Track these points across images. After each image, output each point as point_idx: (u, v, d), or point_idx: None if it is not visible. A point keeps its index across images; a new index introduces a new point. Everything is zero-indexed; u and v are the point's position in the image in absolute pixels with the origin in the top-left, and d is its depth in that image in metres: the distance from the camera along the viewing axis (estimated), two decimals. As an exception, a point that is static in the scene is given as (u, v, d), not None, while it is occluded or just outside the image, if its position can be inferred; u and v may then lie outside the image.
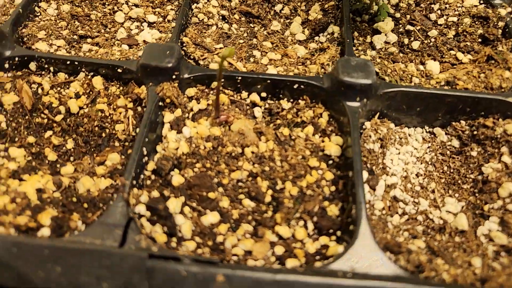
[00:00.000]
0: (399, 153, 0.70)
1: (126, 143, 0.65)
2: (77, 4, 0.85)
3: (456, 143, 0.71)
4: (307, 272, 0.48)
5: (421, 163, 0.70)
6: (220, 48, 0.78)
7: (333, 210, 0.59)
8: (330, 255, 0.53)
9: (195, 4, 0.86)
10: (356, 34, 0.84)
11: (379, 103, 0.70)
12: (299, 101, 0.71)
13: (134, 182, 0.57)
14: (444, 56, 0.79)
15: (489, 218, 0.62)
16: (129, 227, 0.52)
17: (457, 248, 0.59)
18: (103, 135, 0.66)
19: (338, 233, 0.56)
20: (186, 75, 0.69)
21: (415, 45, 0.82)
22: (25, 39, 0.77)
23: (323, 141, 0.67)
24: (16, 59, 0.71)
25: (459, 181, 0.68)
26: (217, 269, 0.47)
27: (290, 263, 0.53)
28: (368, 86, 0.65)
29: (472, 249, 0.58)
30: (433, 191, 0.67)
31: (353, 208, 0.56)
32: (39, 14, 0.82)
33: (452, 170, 0.69)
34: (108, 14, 0.84)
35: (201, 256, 0.52)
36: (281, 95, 0.72)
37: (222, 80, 0.69)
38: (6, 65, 0.71)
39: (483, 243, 0.59)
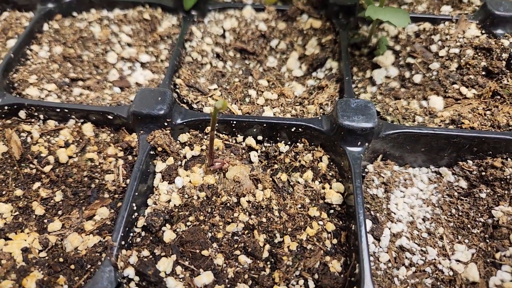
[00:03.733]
0: (404, 196, 0.67)
1: (116, 195, 0.62)
2: (69, 46, 0.83)
3: (463, 183, 0.68)
4: None
5: (428, 206, 0.66)
6: (214, 89, 0.76)
7: (335, 266, 0.55)
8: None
9: (189, 43, 0.84)
10: (355, 69, 0.81)
11: (382, 145, 0.67)
12: (297, 144, 0.68)
13: (123, 242, 0.54)
14: (447, 90, 0.76)
15: (501, 267, 0.58)
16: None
17: (470, 304, 0.55)
18: (93, 185, 0.63)
19: (341, 293, 0.53)
20: (178, 121, 0.66)
21: (417, 78, 0.78)
22: (15, 84, 0.75)
23: (323, 188, 0.63)
24: (6, 107, 0.69)
25: (469, 225, 0.64)
26: None
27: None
28: (369, 130, 0.62)
29: (485, 305, 0.54)
30: (441, 238, 0.63)
31: (357, 267, 0.52)
32: (30, 57, 0.80)
33: (460, 213, 0.65)
34: (101, 55, 0.82)
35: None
36: (278, 138, 0.69)
37: (216, 125, 0.66)
38: (-4, 114, 0.69)
39: (496, 297, 0.55)
